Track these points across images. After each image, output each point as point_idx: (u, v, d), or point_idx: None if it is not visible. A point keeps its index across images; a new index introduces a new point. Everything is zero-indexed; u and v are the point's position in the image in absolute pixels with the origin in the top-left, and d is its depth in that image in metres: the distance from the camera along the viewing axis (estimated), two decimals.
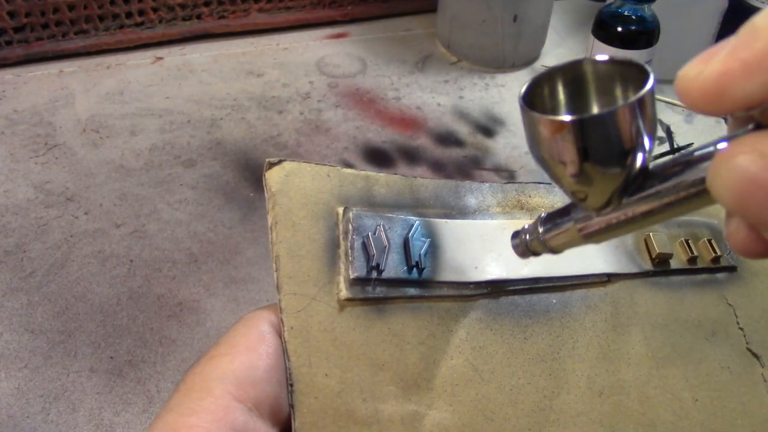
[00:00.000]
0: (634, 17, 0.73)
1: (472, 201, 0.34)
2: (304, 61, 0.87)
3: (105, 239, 0.59)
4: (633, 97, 0.18)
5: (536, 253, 0.26)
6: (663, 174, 0.20)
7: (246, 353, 0.26)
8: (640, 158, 0.20)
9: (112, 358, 0.50)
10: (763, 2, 0.81)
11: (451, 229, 0.31)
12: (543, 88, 0.21)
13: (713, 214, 0.38)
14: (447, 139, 0.76)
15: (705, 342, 0.33)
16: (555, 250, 0.25)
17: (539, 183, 0.36)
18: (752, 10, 0.77)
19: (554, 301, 0.32)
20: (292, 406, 0.26)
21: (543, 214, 0.26)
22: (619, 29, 0.73)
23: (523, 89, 0.21)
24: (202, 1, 0.86)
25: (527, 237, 0.26)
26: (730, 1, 0.80)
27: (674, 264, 0.35)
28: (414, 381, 0.28)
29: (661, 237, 0.35)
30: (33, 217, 0.61)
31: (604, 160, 0.19)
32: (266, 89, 0.81)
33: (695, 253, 0.35)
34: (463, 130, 0.77)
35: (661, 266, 0.35)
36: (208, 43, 0.89)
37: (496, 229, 0.33)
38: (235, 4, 0.88)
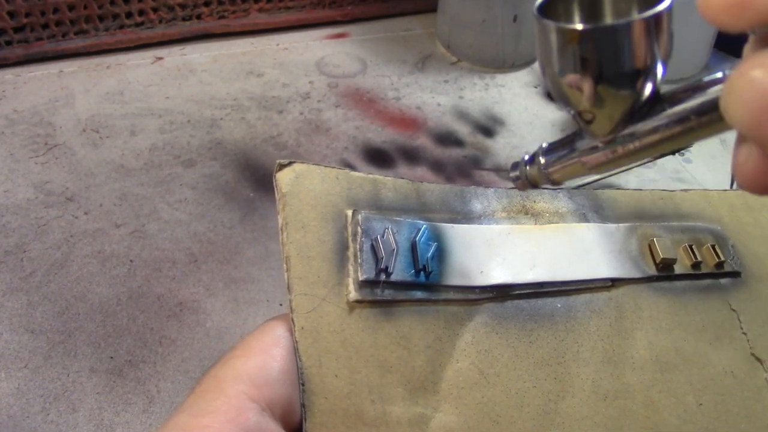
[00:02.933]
0: None
1: (477, 206, 0.34)
2: (304, 61, 0.87)
3: (105, 239, 0.59)
4: (649, 12, 0.18)
5: (536, 186, 0.25)
6: (673, 99, 0.19)
7: (260, 354, 0.26)
8: (651, 82, 0.19)
9: (112, 358, 0.50)
10: None
11: (457, 233, 0.32)
12: (558, 6, 0.20)
13: (716, 220, 0.39)
14: (447, 139, 0.76)
15: (709, 346, 0.34)
16: (556, 182, 0.24)
17: (543, 188, 0.36)
18: None
19: (559, 305, 0.32)
20: (303, 405, 0.26)
21: (544, 145, 0.24)
22: None
23: (539, 1, 0.20)
24: (202, 1, 0.86)
25: (528, 168, 0.25)
26: None
27: (678, 269, 0.35)
28: (421, 383, 0.28)
29: (665, 242, 0.35)
30: (33, 217, 0.61)
31: (615, 78, 0.19)
32: (266, 89, 0.81)
33: (699, 259, 0.35)
34: (463, 130, 0.77)
35: (665, 271, 0.35)
36: (208, 43, 0.88)
37: (501, 234, 0.33)
38: (235, 4, 0.88)
